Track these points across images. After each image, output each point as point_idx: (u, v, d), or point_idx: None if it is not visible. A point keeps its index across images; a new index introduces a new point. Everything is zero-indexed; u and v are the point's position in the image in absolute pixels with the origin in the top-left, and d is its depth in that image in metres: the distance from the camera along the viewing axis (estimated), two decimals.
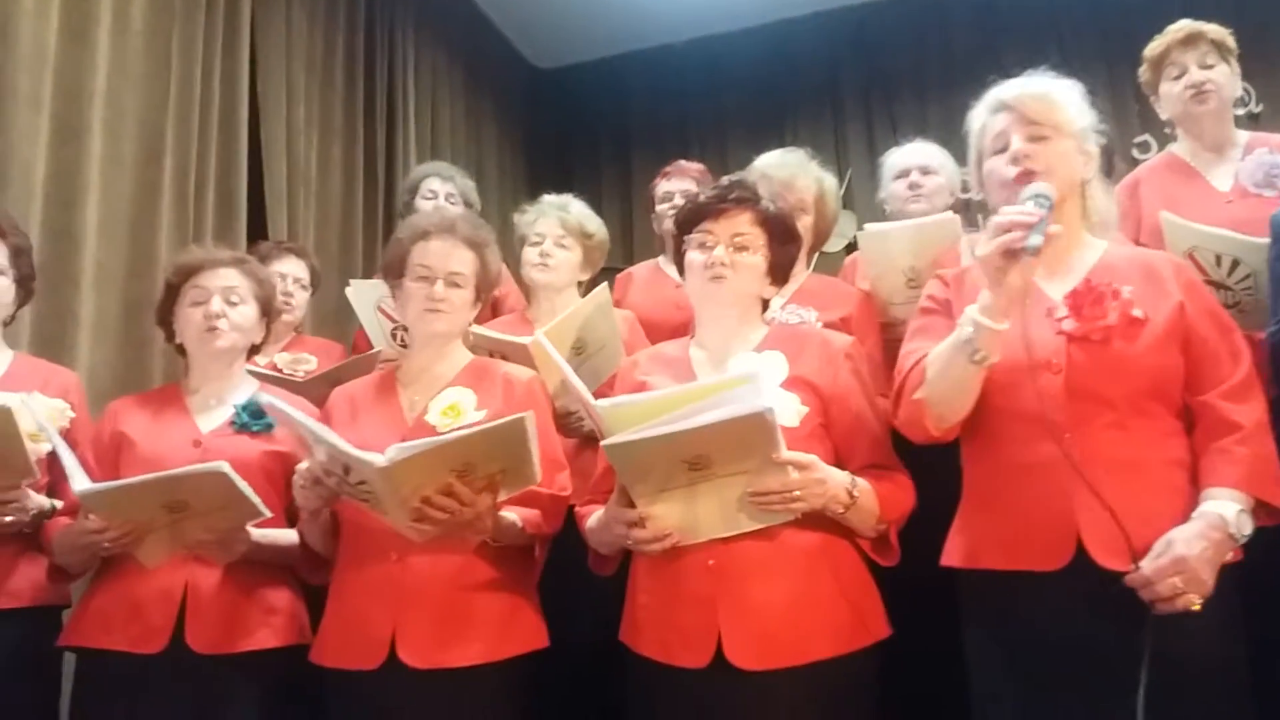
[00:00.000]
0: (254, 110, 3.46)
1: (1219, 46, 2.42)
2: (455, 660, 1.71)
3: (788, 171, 2.42)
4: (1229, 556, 1.48)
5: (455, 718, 1.72)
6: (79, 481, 1.74)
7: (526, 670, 1.79)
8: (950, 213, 2.34)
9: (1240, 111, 2.65)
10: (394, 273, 1.98)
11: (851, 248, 3.48)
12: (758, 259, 1.81)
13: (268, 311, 2.12)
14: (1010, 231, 1.46)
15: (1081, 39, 4.56)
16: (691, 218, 1.86)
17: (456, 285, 1.93)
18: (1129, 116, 4.31)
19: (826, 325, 2.24)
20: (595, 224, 2.72)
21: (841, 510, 1.63)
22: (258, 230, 3.38)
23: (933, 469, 1.74)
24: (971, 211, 2.43)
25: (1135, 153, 3.98)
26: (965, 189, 2.66)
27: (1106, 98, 4.47)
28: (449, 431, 1.79)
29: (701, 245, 1.81)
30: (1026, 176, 1.58)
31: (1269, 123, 3.78)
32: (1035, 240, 1.45)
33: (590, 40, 5.35)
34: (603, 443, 1.54)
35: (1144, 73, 2.52)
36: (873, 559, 1.71)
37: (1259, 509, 1.50)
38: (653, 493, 1.59)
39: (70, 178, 2.66)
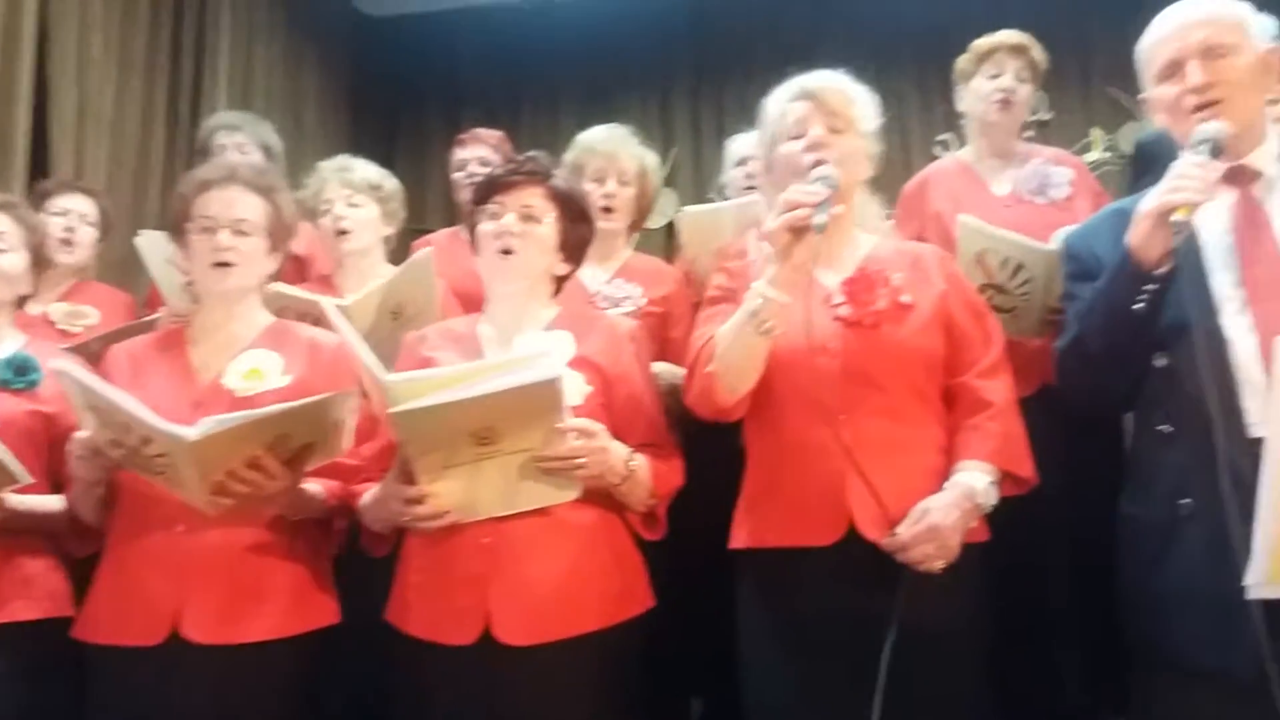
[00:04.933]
0: (42, 37, 3.19)
1: (1034, 68, 2.57)
2: (244, 635, 1.66)
3: (611, 146, 2.50)
4: (978, 537, 1.64)
5: (238, 696, 1.65)
6: None
7: (316, 647, 1.75)
8: (754, 195, 2.41)
9: (1031, 118, 2.82)
10: (178, 228, 1.88)
11: (673, 226, 3.55)
12: (547, 230, 1.83)
13: (39, 260, 1.99)
14: (797, 209, 1.55)
15: (898, 39, 4.79)
16: (485, 191, 1.87)
17: (244, 234, 1.83)
18: (934, 118, 4.61)
19: (651, 302, 2.38)
20: (380, 175, 2.62)
21: (618, 482, 1.69)
22: (40, 168, 3.13)
23: (709, 448, 1.85)
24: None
25: (937, 150, 4.21)
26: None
27: (916, 94, 4.77)
28: (252, 396, 1.74)
29: (493, 216, 1.83)
30: (819, 163, 1.64)
31: (1056, 132, 4.10)
32: (820, 218, 1.53)
33: None
34: (391, 409, 1.52)
35: (965, 61, 2.61)
36: (640, 533, 1.78)
37: (1006, 480, 1.66)
38: (437, 468, 1.60)
39: None
